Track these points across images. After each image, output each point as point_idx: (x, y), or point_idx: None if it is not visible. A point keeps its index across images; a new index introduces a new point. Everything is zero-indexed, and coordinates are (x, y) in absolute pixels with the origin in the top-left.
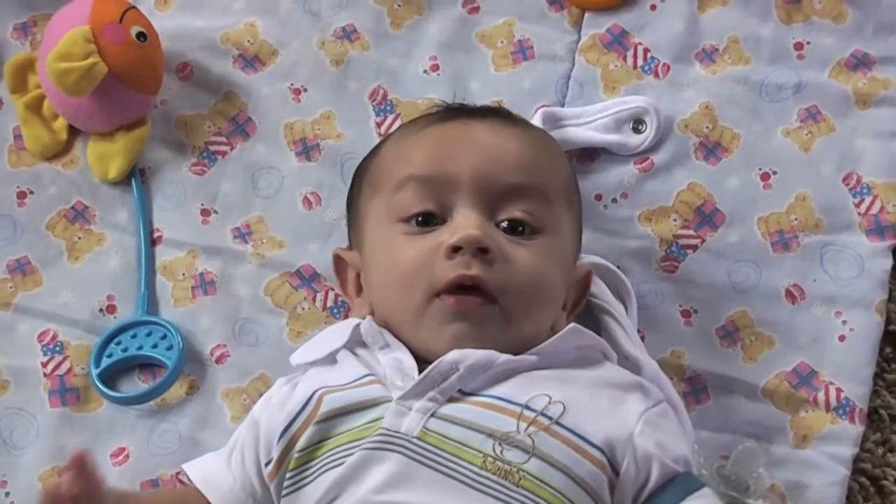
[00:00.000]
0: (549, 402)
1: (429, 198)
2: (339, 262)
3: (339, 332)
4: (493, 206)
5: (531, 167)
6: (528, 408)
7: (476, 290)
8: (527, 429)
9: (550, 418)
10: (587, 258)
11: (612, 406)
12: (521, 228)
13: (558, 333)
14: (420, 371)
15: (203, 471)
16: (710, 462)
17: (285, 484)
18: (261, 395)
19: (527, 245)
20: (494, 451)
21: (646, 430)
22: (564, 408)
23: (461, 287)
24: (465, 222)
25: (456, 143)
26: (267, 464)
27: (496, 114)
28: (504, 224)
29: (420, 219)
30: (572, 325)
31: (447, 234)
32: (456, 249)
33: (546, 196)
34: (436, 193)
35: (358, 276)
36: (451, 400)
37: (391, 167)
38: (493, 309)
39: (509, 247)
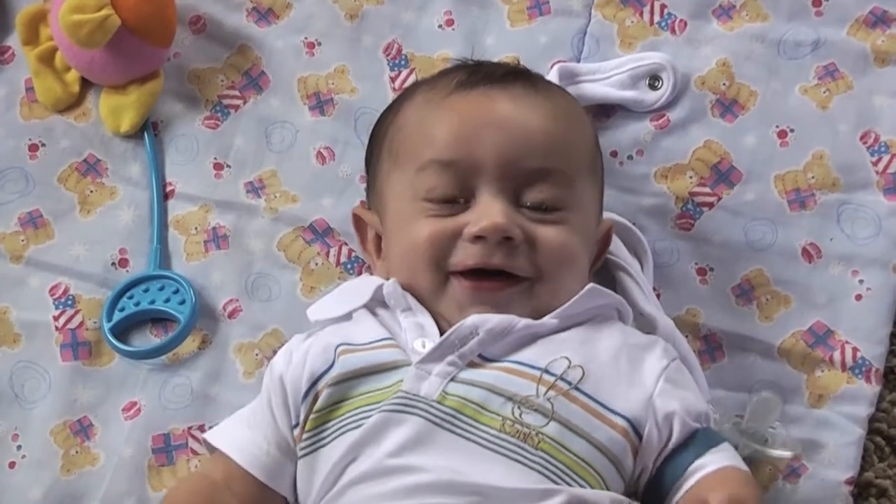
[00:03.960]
0: (569, 367)
1: (452, 181)
2: (358, 221)
3: (360, 289)
4: (516, 188)
5: (556, 147)
6: (547, 371)
7: (498, 273)
8: (546, 393)
9: (570, 383)
10: (603, 215)
11: (630, 368)
12: (544, 206)
13: (577, 295)
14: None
15: (227, 438)
16: (726, 417)
17: (301, 445)
18: (274, 351)
19: (551, 222)
20: (514, 414)
21: (665, 389)
22: (584, 373)
23: (481, 271)
24: (489, 209)
25: (479, 123)
26: (296, 425)
27: (518, 78)
28: (528, 203)
29: (442, 200)
30: (591, 285)
31: (472, 217)
32: (479, 237)
33: (570, 175)
34: (459, 177)
35: (378, 236)
36: (471, 365)
37: (413, 143)
38: (518, 288)
39: (535, 227)
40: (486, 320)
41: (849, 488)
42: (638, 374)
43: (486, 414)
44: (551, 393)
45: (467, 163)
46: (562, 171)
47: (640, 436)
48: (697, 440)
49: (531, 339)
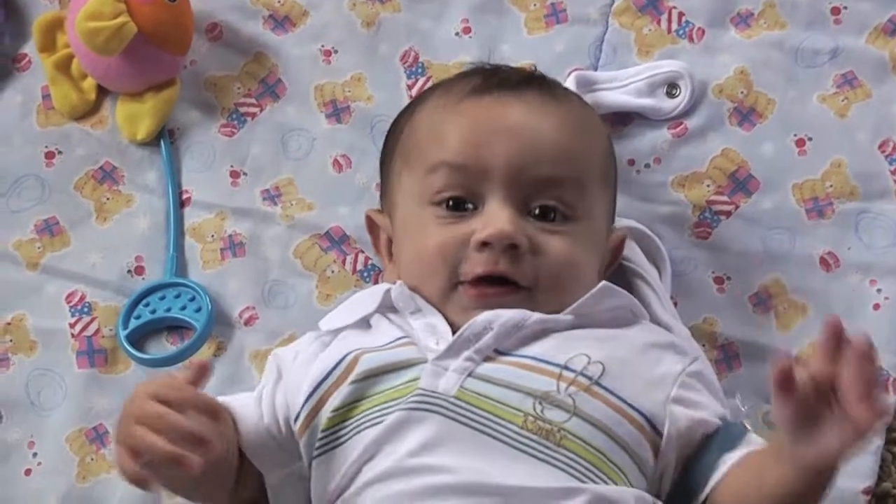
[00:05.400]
0: (589, 363)
1: (461, 184)
2: (371, 223)
3: (369, 297)
4: (525, 196)
5: (567, 156)
6: (567, 368)
7: (501, 281)
8: (567, 388)
9: (590, 378)
10: (622, 221)
11: (649, 368)
12: (552, 215)
13: (590, 293)
14: (454, 334)
15: (235, 401)
16: (754, 409)
17: (317, 444)
18: None
19: (559, 232)
20: (535, 409)
21: (683, 391)
22: (604, 368)
23: (487, 278)
24: (496, 216)
25: (491, 129)
26: (295, 420)
27: (532, 85)
28: (536, 211)
29: (451, 203)
30: (603, 283)
31: (478, 224)
32: (486, 244)
33: (580, 184)
34: (468, 181)
35: (390, 240)
36: (488, 360)
37: (424, 146)
38: (520, 294)
39: (541, 236)
40: (499, 315)
41: (866, 498)
42: (656, 374)
43: (506, 410)
44: (572, 389)
45: (477, 168)
46: (572, 179)
47: (659, 434)
48: (717, 441)
49: (545, 333)
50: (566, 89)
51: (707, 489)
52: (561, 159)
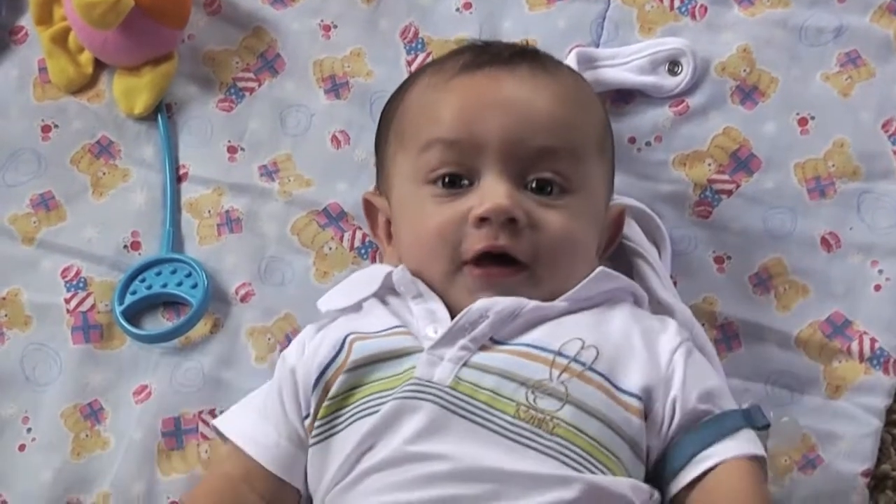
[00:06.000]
0: (582, 347)
1: (456, 160)
2: (368, 206)
3: (369, 278)
4: (521, 169)
5: (561, 127)
6: (560, 354)
7: (504, 258)
8: (560, 376)
9: (584, 364)
10: (622, 200)
11: (644, 347)
12: (549, 189)
13: (586, 279)
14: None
15: (242, 429)
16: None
17: (314, 433)
18: (286, 336)
19: (556, 206)
20: (528, 399)
21: (676, 369)
22: (598, 352)
23: (489, 255)
24: (492, 191)
25: (483, 103)
26: (307, 416)
27: (524, 59)
28: (533, 184)
29: (447, 180)
30: (600, 269)
31: (475, 200)
32: (484, 219)
33: (576, 154)
34: (463, 156)
35: (388, 222)
36: (483, 348)
37: (418, 124)
38: (522, 275)
39: (539, 211)
40: (494, 303)
41: (865, 480)
42: (651, 354)
43: (500, 399)
44: (565, 376)
45: (471, 143)
46: (567, 150)
47: (650, 416)
48: (707, 427)
49: (541, 320)
50: (558, 62)
51: (674, 489)
52: (556, 130)
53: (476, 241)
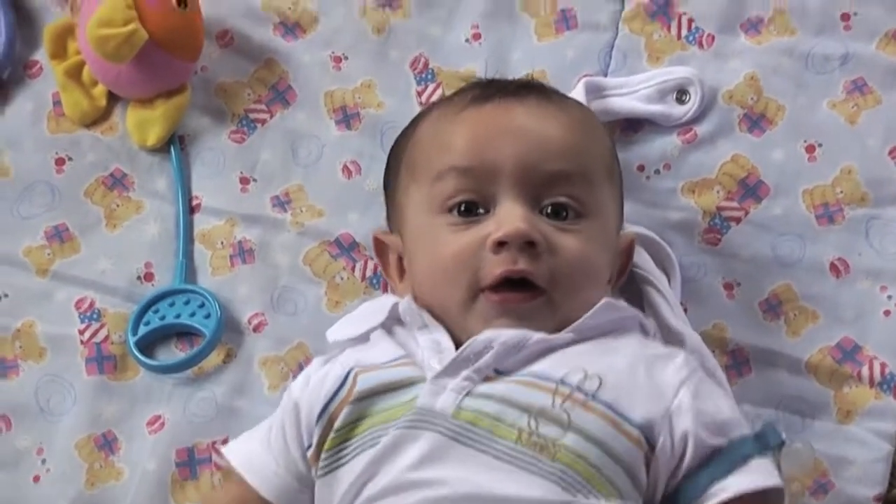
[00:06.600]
0: (585, 377)
1: (470, 188)
2: (379, 245)
3: (376, 309)
4: (536, 194)
5: (573, 152)
6: (563, 382)
7: (522, 284)
8: (562, 404)
9: (586, 393)
10: (632, 228)
11: (648, 378)
12: (564, 214)
13: (591, 310)
14: None
15: (245, 456)
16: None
17: (321, 465)
18: (299, 366)
19: (572, 231)
20: (530, 426)
21: (684, 402)
22: (601, 382)
23: (507, 281)
24: (509, 215)
25: (495, 131)
26: (309, 447)
27: (532, 91)
28: (548, 209)
29: (462, 208)
30: (606, 300)
31: (492, 227)
32: (502, 244)
33: (589, 179)
34: (478, 183)
35: (400, 259)
36: (487, 380)
37: (430, 156)
38: (539, 301)
39: (555, 235)
40: (499, 334)
41: None
42: (656, 385)
43: (502, 427)
44: (567, 404)
45: (485, 169)
46: (580, 174)
47: (653, 447)
48: (720, 459)
49: (545, 352)
50: (563, 94)
51: None
52: (568, 155)
53: (495, 266)
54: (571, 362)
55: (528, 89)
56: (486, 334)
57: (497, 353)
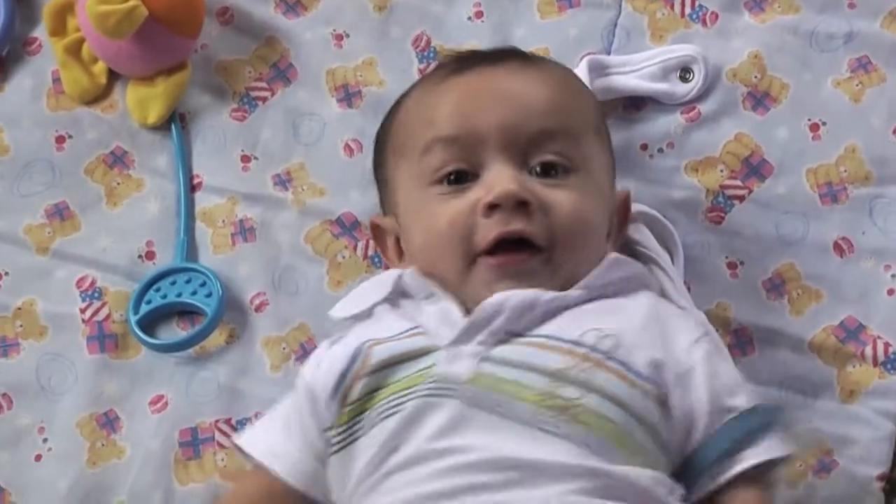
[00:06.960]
0: (601, 337)
1: (458, 157)
2: (376, 230)
3: (380, 283)
4: (523, 154)
5: (557, 109)
6: (579, 343)
7: (519, 244)
8: (579, 365)
9: (603, 352)
10: (635, 207)
11: (662, 338)
12: (553, 171)
13: (600, 265)
14: None
15: (266, 448)
16: None
17: (334, 441)
18: (301, 346)
19: (563, 186)
20: (550, 388)
21: (698, 361)
22: (616, 341)
23: (504, 242)
24: (499, 177)
25: (477, 97)
26: (328, 429)
27: (512, 56)
28: (537, 168)
29: (452, 178)
30: (613, 255)
31: (482, 191)
32: (494, 206)
33: (575, 135)
34: (465, 151)
35: (397, 240)
36: (501, 342)
37: (415, 131)
38: (539, 259)
39: (546, 192)
40: (510, 297)
41: (880, 484)
42: (671, 343)
43: (521, 390)
44: (585, 364)
45: (470, 135)
46: (564, 131)
47: (665, 403)
48: (730, 429)
49: (558, 310)
50: (544, 58)
51: (706, 489)
52: (551, 113)
53: (489, 230)
54: (585, 322)
55: (507, 54)
56: (497, 297)
57: (508, 316)
